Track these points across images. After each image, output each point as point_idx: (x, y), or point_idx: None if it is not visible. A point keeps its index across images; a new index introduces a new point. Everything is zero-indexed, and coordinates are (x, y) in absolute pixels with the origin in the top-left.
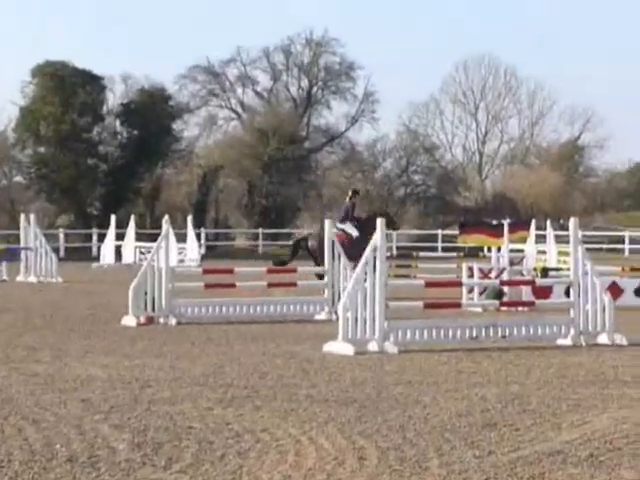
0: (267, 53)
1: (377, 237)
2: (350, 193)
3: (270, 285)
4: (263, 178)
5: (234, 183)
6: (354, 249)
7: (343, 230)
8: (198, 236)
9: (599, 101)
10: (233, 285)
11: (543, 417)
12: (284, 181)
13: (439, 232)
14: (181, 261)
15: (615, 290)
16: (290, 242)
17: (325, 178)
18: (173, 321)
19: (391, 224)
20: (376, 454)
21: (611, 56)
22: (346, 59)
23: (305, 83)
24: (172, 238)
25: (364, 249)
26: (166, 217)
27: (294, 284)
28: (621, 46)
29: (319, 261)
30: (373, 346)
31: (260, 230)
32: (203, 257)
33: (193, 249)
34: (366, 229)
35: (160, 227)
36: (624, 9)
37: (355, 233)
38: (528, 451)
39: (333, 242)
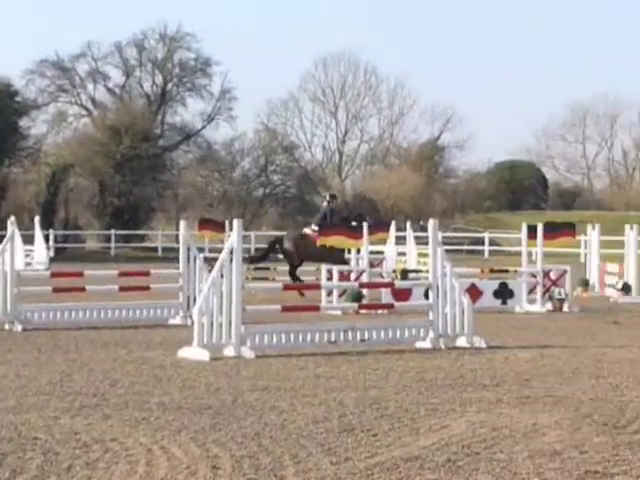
0: (119, 48)
1: (233, 238)
2: (328, 197)
3: (122, 289)
4: (115, 177)
5: (85, 182)
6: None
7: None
8: (46, 238)
9: (459, 101)
10: (83, 289)
11: (401, 422)
12: (138, 180)
13: None
14: (28, 264)
15: (474, 292)
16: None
17: (181, 177)
18: (19, 327)
19: (361, 219)
20: (230, 463)
21: (471, 55)
22: (202, 55)
23: (159, 79)
24: (18, 240)
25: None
26: (12, 218)
27: (147, 288)
28: (480, 45)
29: (294, 262)
30: (229, 351)
31: (112, 231)
32: (52, 260)
33: (41, 251)
34: None
35: (5, 228)
36: (484, 8)
37: None
38: (385, 457)
39: (188, 245)
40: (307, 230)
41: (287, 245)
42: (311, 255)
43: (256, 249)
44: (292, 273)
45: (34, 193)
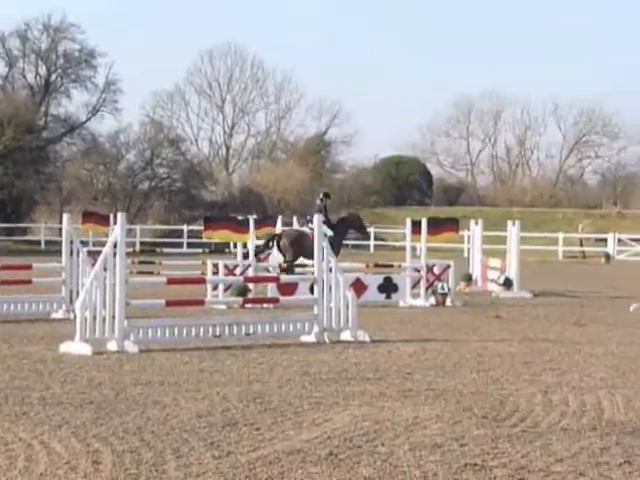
0: (2, 38)
1: (117, 232)
2: (321, 195)
3: (3, 282)
4: None
5: None
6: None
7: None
8: None
9: (346, 96)
10: None
11: (284, 415)
12: (20, 173)
13: (184, 227)
14: None
15: (359, 286)
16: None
17: (64, 170)
18: None
19: (361, 229)
20: (111, 458)
21: (357, 50)
22: (86, 46)
23: (43, 70)
24: None
25: (336, 246)
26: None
27: (29, 281)
28: (366, 40)
29: (290, 258)
30: (112, 345)
31: None
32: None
33: None
34: (338, 230)
35: None
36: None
37: (329, 233)
38: (268, 450)
39: (71, 239)
40: (305, 228)
41: (285, 242)
42: (309, 252)
43: (141, 243)
44: (290, 268)
45: None
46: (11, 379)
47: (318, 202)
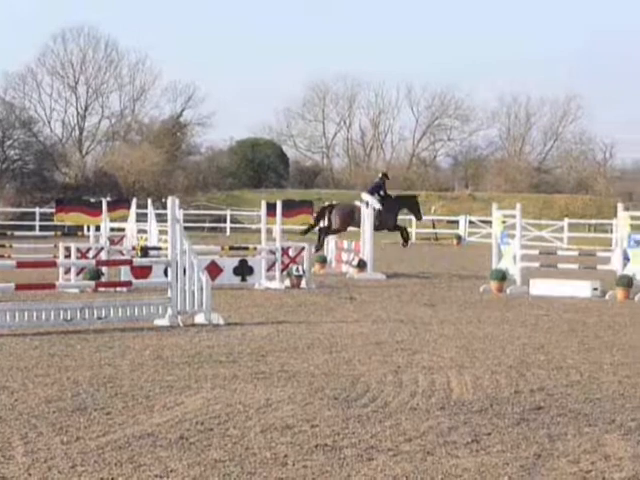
0: None
1: None
2: (380, 174)
3: None
4: None
5: None
6: (375, 220)
7: (367, 202)
8: None
9: (202, 79)
10: None
11: (135, 400)
12: None
13: (37, 210)
14: None
15: (214, 269)
16: None
17: None
18: None
19: (415, 212)
20: None
21: (213, 32)
22: None
23: None
24: None
25: (385, 221)
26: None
27: None
28: (223, 21)
29: (338, 229)
30: None
31: None
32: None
33: None
34: (388, 205)
35: None
36: None
37: (378, 206)
38: (118, 435)
39: None
40: (357, 202)
41: (337, 212)
42: (357, 222)
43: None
44: (321, 238)
45: None
46: None
47: (377, 180)
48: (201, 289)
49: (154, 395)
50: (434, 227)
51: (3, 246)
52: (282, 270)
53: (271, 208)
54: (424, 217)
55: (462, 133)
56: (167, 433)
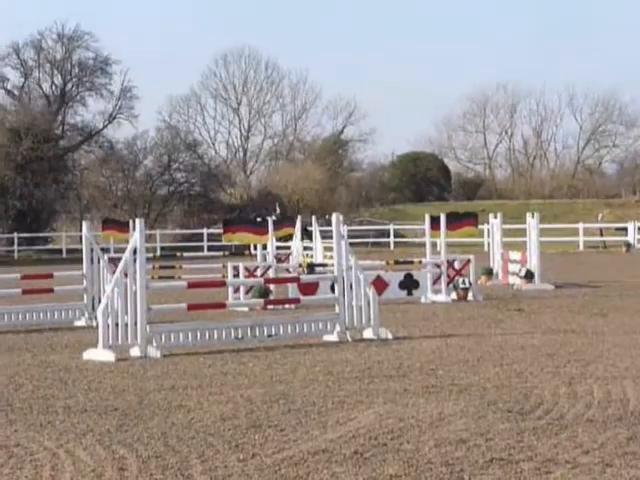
0: (16, 49)
1: (136, 238)
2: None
3: (25, 292)
4: (16, 180)
5: None
6: None
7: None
8: None
9: (361, 95)
10: None
11: (308, 416)
12: (39, 182)
13: (204, 231)
14: None
15: (380, 284)
16: None
17: (83, 178)
18: None
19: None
20: (137, 464)
21: (371, 48)
22: (101, 54)
23: (59, 79)
24: None
25: None
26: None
27: (51, 290)
28: (380, 37)
29: None
30: (135, 351)
31: (15, 235)
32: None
33: None
34: None
35: None
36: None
37: None
38: (293, 451)
39: (92, 246)
40: None
41: None
42: None
43: (161, 248)
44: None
45: None
46: (35, 388)
47: None
48: (368, 304)
49: (326, 411)
50: (601, 235)
51: (173, 267)
52: (448, 283)
53: (435, 221)
54: (593, 225)
55: (627, 139)
56: (341, 449)
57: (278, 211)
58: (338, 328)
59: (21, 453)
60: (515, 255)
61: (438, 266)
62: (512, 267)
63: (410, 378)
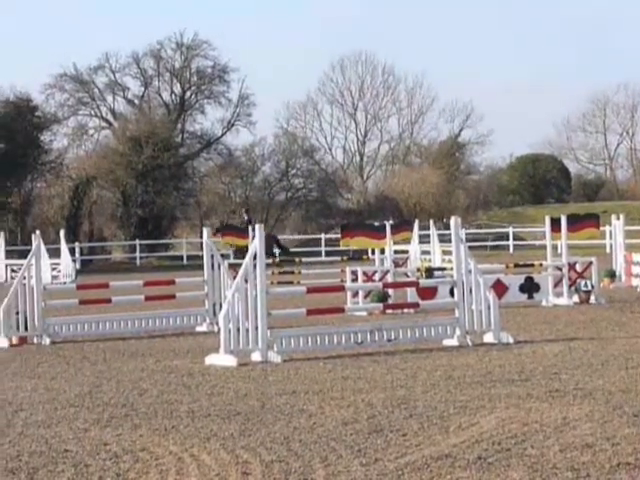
0: (137, 59)
1: (256, 243)
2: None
3: (148, 298)
4: (138, 188)
5: (108, 194)
6: None
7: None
8: (72, 251)
9: (478, 97)
10: (109, 300)
11: (430, 420)
12: (160, 190)
13: (322, 236)
14: (55, 277)
15: (500, 288)
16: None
17: (203, 185)
18: (47, 340)
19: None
20: (260, 468)
21: (488, 50)
22: (219, 62)
23: (178, 88)
24: (44, 254)
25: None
26: (37, 232)
27: (172, 296)
28: (497, 39)
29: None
30: (256, 356)
31: (137, 242)
32: (78, 272)
33: (67, 264)
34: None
35: (31, 243)
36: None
37: None
38: (416, 456)
39: (212, 252)
40: None
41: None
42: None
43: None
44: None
45: (58, 207)
46: (159, 393)
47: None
48: (488, 308)
49: (448, 416)
50: None
51: (292, 272)
52: (570, 286)
53: (555, 223)
54: None
55: None
56: (464, 454)
57: (246, 218)
58: (458, 332)
59: (147, 457)
60: (638, 257)
61: (559, 269)
62: (635, 269)
63: (533, 382)
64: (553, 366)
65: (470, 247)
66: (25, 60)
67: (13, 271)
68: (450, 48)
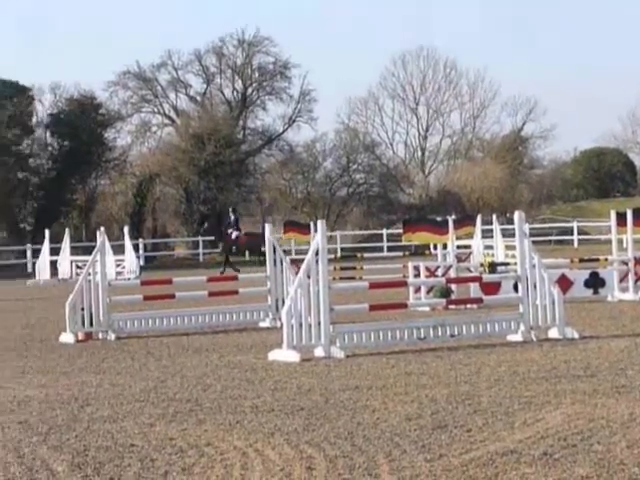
0: (199, 56)
1: (318, 239)
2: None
3: (211, 294)
4: (200, 184)
5: (171, 191)
6: None
7: None
8: (136, 247)
9: (541, 91)
10: (172, 296)
11: (495, 416)
12: (222, 186)
13: (384, 231)
14: (119, 273)
15: (564, 282)
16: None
17: (264, 181)
18: (112, 336)
19: None
20: (324, 463)
21: (550, 43)
22: (280, 58)
23: (239, 85)
24: (109, 250)
25: None
26: (101, 229)
27: (235, 292)
28: (558, 32)
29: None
30: (319, 352)
31: (200, 238)
32: (142, 268)
33: (131, 260)
34: None
35: (95, 240)
36: None
37: None
38: (480, 452)
39: (274, 248)
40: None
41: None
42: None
43: (341, 249)
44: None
45: (122, 204)
46: (223, 389)
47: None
48: (553, 303)
49: (513, 411)
50: None
51: (354, 268)
52: (636, 281)
53: (621, 217)
54: None
55: None
56: (530, 449)
57: (232, 217)
58: (522, 328)
59: (211, 452)
60: None
61: (625, 263)
62: None
63: (599, 378)
64: (619, 362)
65: (534, 242)
66: (89, 58)
67: (78, 267)
68: (512, 42)
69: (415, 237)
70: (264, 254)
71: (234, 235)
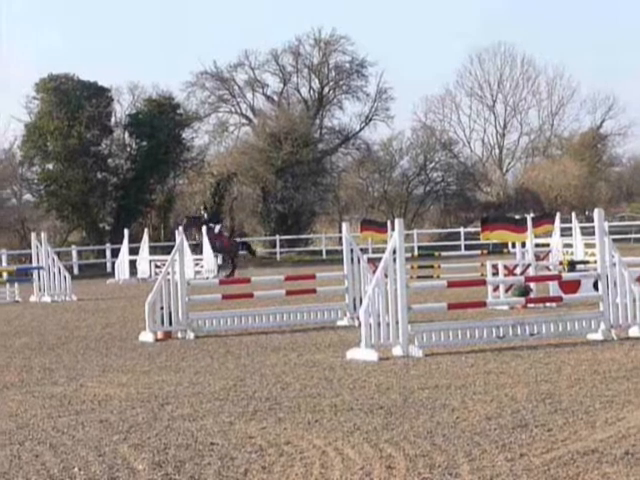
0: (275, 55)
1: (395, 238)
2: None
3: (289, 293)
4: (277, 183)
5: (248, 190)
6: None
7: None
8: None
9: (621, 88)
10: (251, 295)
11: (576, 415)
12: (299, 185)
13: (461, 230)
14: (198, 272)
15: None
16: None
17: (341, 180)
18: (191, 335)
19: None
20: (404, 462)
21: (631, 40)
22: (356, 57)
23: (316, 84)
24: (187, 250)
25: None
26: (180, 228)
27: (313, 291)
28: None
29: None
30: (397, 351)
31: (277, 237)
32: (220, 267)
33: (210, 260)
34: None
35: (174, 239)
36: None
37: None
38: (562, 451)
39: (352, 247)
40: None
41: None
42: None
43: (419, 247)
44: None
45: (200, 203)
46: (302, 387)
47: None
48: (634, 301)
49: (594, 410)
50: None
51: (432, 267)
52: None
53: None
54: None
55: None
56: (611, 449)
57: (205, 216)
58: (603, 326)
59: (291, 451)
60: None
61: None
62: None
63: None
64: None
65: (613, 240)
66: (167, 59)
67: (157, 267)
68: (590, 39)
69: (493, 235)
70: (254, 253)
71: (217, 229)
